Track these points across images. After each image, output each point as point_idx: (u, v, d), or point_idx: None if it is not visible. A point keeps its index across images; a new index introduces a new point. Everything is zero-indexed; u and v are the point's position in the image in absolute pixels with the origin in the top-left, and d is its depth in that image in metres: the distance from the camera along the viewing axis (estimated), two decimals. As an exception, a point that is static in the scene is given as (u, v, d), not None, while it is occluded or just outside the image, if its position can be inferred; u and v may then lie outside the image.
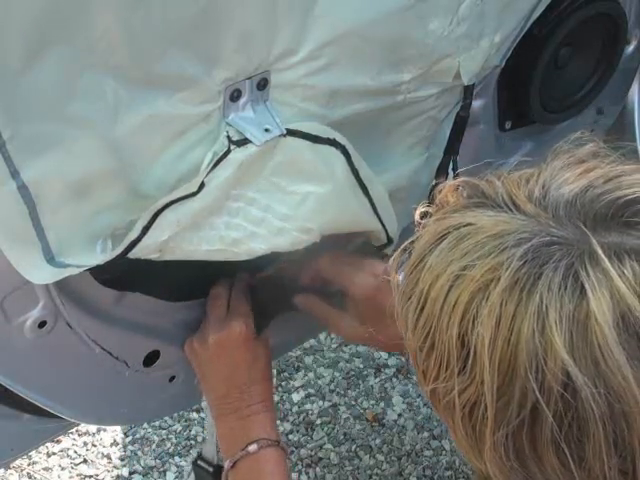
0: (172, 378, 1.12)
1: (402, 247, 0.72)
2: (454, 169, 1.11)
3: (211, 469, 1.19)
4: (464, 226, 0.66)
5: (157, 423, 1.88)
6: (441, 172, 1.11)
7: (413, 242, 0.71)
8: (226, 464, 1.01)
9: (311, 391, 1.94)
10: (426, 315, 0.66)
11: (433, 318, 0.65)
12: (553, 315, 0.59)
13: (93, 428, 1.88)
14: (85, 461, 1.83)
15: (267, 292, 1.11)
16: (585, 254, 0.60)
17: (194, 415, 1.89)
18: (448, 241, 0.66)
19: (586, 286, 0.59)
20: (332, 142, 0.93)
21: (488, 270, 0.62)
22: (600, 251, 0.60)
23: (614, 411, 0.58)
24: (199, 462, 1.20)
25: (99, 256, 0.86)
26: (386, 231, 1.03)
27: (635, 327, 0.58)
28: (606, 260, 0.59)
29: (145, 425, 1.88)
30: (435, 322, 0.65)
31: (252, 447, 1.00)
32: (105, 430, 1.87)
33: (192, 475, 1.78)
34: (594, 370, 0.58)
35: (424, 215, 0.73)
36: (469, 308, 0.62)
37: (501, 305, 0.61)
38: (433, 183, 0.76)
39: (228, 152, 0.86)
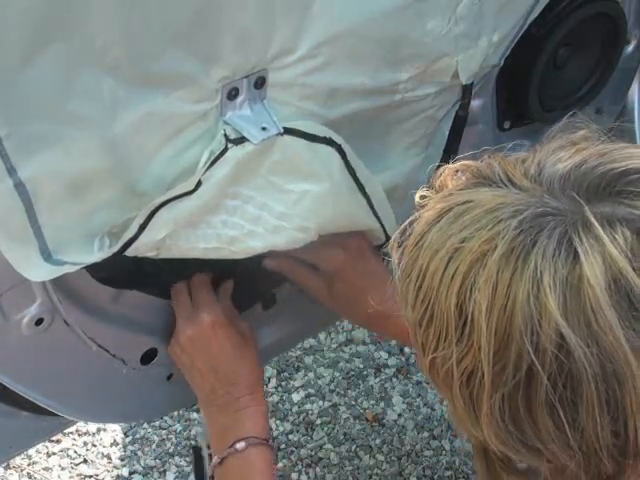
0: (170, 376, 1.12)
1: (401, 228, 0.74)
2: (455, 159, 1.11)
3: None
4: (462, 203, 0.68)
5: (157, 423, 1.88)
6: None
7: (412, 223, 0.72)
8: (214, 460, 1.01)
9: (311, 391, 1.93)
10: (425, 289, 0.68)
11: (432, 291, 0.67)
12: (547, 279, 0.61)
13: (93, 428, 1.88)
14: (85, 461, 1.83)
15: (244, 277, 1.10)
16: (578, 222, 0.62)
17: (194, 415, 1.89)
18: (447, 218, 0.68)
19: (579, 251, 0.61)
20: (328, 141, 0.93)
21: (485, 241, 0.64)
22: (593, 219, 0.62)
23: (606, 371, 0.60)
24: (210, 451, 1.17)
25: (96, 254, 0.86)
26: (384, 230, 1.03)
27: (626, 289, 0.60)
28: (599, 227, 0.61)
29: (145, 425, 1.88)
30: (434, 294, 0.67)
31: (240, 445, 1.00)
32: (105, 430, 1.87)
33: (192, 476, 1.78)
34: (586, 331, 0.60)
35: (423, 198, 0.74)
36: (467, 277, 0.65)
37: (497, 272, 0.63)
38: (431, 166, 0.78)
39: (225, 150, 0.87)
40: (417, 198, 0.75)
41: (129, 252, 0.86)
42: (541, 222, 0.63)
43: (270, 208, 0.91)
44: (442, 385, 0.70)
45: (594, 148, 0.69)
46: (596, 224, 0.62)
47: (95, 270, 0.91)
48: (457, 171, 0.73)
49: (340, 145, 0.94)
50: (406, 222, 0.74)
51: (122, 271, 0.94)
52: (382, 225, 1.03)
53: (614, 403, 0.61)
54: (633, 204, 0.63)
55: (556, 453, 0.65)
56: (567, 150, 0.69)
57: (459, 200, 0.68)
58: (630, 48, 1.38)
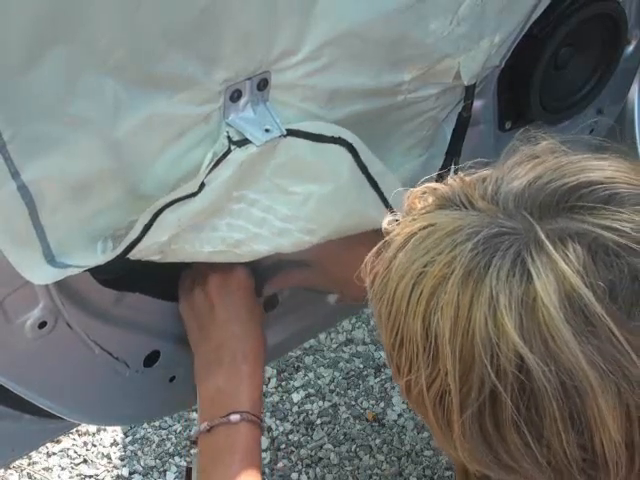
0: (172, 378, 1.12)
1: (374, 251, 0.75)
2: (456, 170, 1.11)
3: None
4: (424, 227, 0.69)
5: (157, 423, 1.88)
6: (443, 173, 1.11)
7: (385, 246, 0.73)
8: (202, 426, 0.98)
9: (311, 391, 1.94)
10: (395, 313, 0.69)
11: (400, 315, 0.68)
12: (503, 301, 0.62)
13: (93, 428, 1.88)
14: (85, 461, 1.83)
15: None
16: (531, 241, 0.63)
17: (194, 415, 1.89)
18: (412, 242, 0.69)
19: (532, 271, 0.62)
20: (337, 140, 0.93)
21: (445, 265, 0.65)
22: (544, 237, 0.63)
23: (566, 387, 0.61)
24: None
25: (100, 256, 0.86)
26: None
27: (580, 305, 0.61)
28: (550, 246, 0.62)
29: (145, 425, 1.89)
30: (402, 319, 0.68)
31: (234, 417, 0.98)
32: (105, 430, 1.88)
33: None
34: (544, 349, 0.61)
35: (391, 223, 0.75)
36: (430, 302, 0.66)
37: (457, 296, 0.64)
38: (398, 190, 0.80)
39: (228, 152, 0.86)
40: (385, 224, 0.76)
41: (133, 255, 0.86)
42: (495, 243, 0.64)
43: (275, 211, 0.91)
44: (417, 406, 0.71)
45: (549, 162, 0.69)
46: (547, 242, 0.62)
47: (99, 272, 0.91)
48: (424, 193, 0.74)
49: (352, 144, 0.94)
50: (379, 244, 0.74)
51: (125, 273, 0.94)
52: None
53: (578, 418, 0.62)
54: (584, 219, 0.64)
55: (528, 470, 0.66)
56: (524, 166, 0.70)
57: (422, 224, 0.70)
58: (630, 48, 1.38)
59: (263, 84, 0.88)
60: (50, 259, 0.82)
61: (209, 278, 1.03)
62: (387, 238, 0.73)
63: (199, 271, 1.04)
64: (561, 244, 0.62)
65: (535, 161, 0.70)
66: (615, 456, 0.63)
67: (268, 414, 1.88)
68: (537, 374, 0.61)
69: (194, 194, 0.85)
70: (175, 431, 1.88)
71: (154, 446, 1.86)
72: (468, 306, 0.63)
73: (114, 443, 1.86)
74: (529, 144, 0.74)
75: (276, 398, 1.91)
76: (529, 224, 0.64)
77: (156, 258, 0.88)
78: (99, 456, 1.84)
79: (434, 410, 0.68)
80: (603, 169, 0.68)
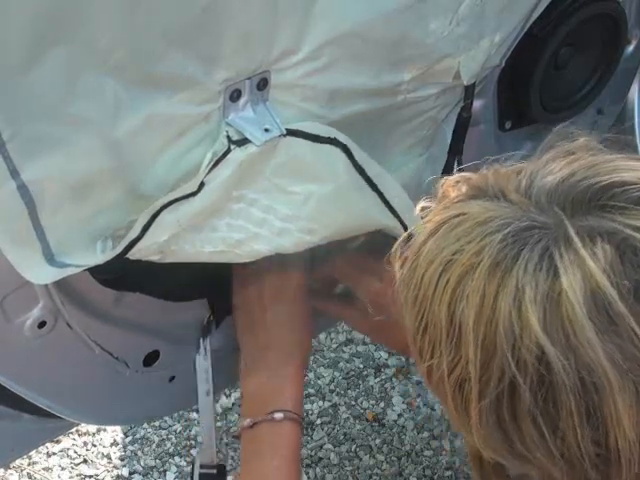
0: (172, 378, 1.12)
1: (403, 237, 0.76)
2: (459, 169, 1.11)
3: (215, 470, 1.16)
4: (456, 216, 0.70)
5: (157, 423, 1.88)
6: (447, 172, 1.11)
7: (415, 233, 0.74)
8: (245, 422, 1.00)
9: (311, 391, 1.94)
10: (421, 298, 0.70)
11: (427, 301, 0.69)
12: (529, 294, 0.63)
13: (93, 428, 1.88)
14: (85, 461, 1.83)
15: None
16: (560, 237, 0.64)
17: (194, 415, 1.89)
18: (443, 230, 0.70)
19: (559, 266, 0.63)
20: (332, 141, 0.93)
21: (473, 254, 0.66)
22: (573, 234, 0.63)
23: (585, 382, 0.61)
24: (202, 471, 1.16)
25: (99, 256, 0.86)
26: (403, 224, 1.02)
27: (604, 303, 0.61)
28: (579, 242, 0.63)
29: (145, 425, 1.89)
30: (428, 305, 0.69)
31: (278, 415, 1.00)
32: (105, 430, 1.88)
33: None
34: (565, 343, 0.62)
35: (424, 209, 0.76)
36: (457, 290, 0.66)
37: (484, 286, 0.65)
38: (430, 179, 0.80)
39: (228, 152, 0.86)
40: (418, 210, 0.77)
41: (133, 255, 0.86)
42: (525, 236, 0.65)
43: (275, 211, 0.91)
44: (437, 391, 0.72)
45: (584, 160, 0.70)
46: (576, 239, 0.63)
47: (98, 272, 0.91)
48: (457, 182, 0.75)
49: (345, 145, 0.94)
50: (408, 231, 0.75)
51: (125, 273, 0.94)
52: (401, 220, 1.02)
53: (594, 414, 0.62)
54: (615, 218, 0.64)
55: (542, 461, 0.66)
56: (559, 162, 0.70)
57: (454, 213, 0.70)
58: (630, 48, 1.38)
59: (263, 84, 0.88)
60: (50, 259, 0.82)
61: (266, 279, 1.04)
62: (418, 224, 0.74)
63: (253, 266, 1.03)
64: (590, 242, 0.63)
65: (570, 158, 0.71)
66: (628, 453, 0.63)
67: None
68: (557, 367, 0.61)
69: (193, 194, 0.85)
70: (175, 431, 1.88)
71: (154, 446, 1.86)
72: (494, 296, 0.64)
73: (114, 443, 1.86)
74: (566, 140, 0.74)
75: (276, 398, 1.91)
76: (560, 220, 0.65)
77: (156, 258, 0.88)
78: (99, 456, 1.84)
79: (453, 396, 0.69)
80: (636, 169, 0.68)
